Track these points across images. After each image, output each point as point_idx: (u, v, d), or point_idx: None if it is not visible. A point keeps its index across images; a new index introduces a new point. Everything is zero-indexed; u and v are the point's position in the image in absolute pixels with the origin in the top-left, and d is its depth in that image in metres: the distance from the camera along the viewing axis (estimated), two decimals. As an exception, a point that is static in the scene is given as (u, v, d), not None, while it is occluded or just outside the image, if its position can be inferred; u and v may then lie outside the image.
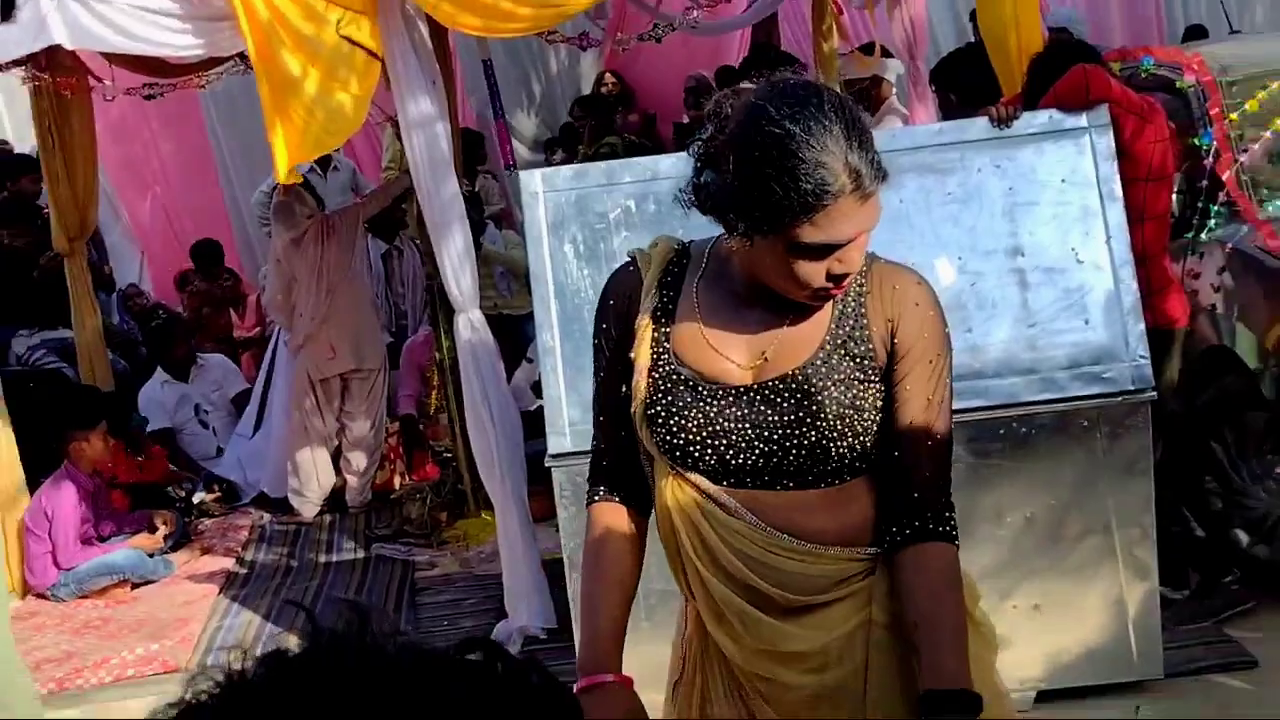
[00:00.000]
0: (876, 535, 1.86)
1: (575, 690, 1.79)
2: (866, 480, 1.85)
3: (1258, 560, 4.18)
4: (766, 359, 1.83)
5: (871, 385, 1.83)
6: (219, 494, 6.73)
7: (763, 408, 1.81)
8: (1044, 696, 3.67)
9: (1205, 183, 4.50)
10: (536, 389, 5.05)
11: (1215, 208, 4.47)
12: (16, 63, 5.49)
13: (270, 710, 0.71)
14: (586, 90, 9.88)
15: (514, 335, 6.26)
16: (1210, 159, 4.50)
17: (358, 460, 6.44)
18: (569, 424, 3.62)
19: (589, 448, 3.65)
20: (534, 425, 4.70)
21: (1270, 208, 4.36)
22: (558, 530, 3.80)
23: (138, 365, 7.49)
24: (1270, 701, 3.62)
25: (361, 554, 5.83)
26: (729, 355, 1.84)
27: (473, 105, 9.57)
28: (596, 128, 8.29)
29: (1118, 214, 3.63)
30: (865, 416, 1.82)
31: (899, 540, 1.86)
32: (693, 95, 9.59)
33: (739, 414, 1.81)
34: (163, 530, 5.82)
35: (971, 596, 1.94)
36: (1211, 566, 4.22)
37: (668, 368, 1.84)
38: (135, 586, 5.52)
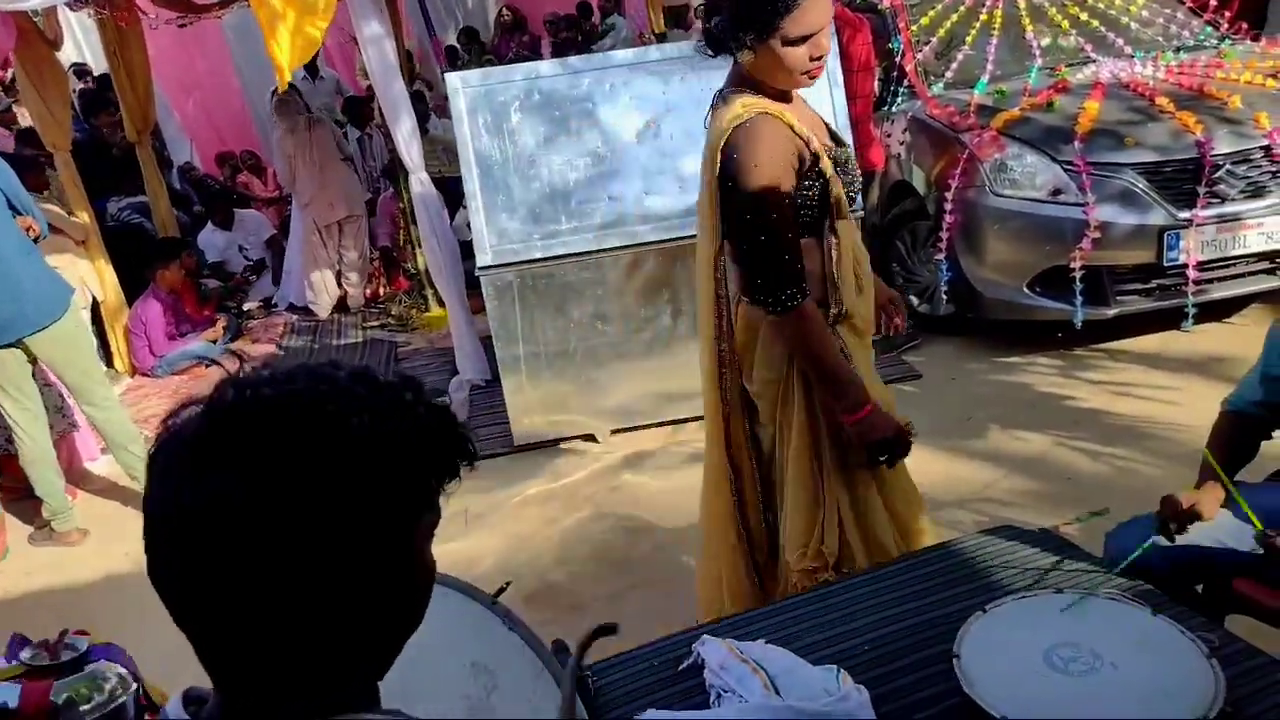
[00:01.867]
0: None
1: (862, 415, 1.76)
2: None
3: (923, 314, 4.33)
4: (829, 132, 1.83)
5: None
6: (260, 303, 6.46)
7: (847, 165, 1.81)
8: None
9: (896, 73, 4.48)
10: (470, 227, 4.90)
11: (901, 90, 4.45)
12: (83, 3, 4.98)
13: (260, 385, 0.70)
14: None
15: (454, 191, 5.99)
16: (899, 57, 4.46)
17: (353, 277, 6.17)
18: (489, 246, 3.53)
19: (504, 262, 3.53)
20: (467, 250, 4.56)
21: (934, 90, 4.36)
22: (486, 317, 3.74)
23: (194, 218, 7.07)
24: (927, 396, 3.81)
25: (361, 338, 5.67)
26: (823, 140, 1.78)
27: (415, 32, 8.97)
28: (479, 49, 8.52)
29: (840, 94, 3.57)
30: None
31: None
32: (551, 24, 9.32)
33: (842, 170, 1.79)
34: (220, 328, 5.57)
35: None
36: (895, 319, 4.36)
37: (829, 161, 1.76)
38: (208, 366, 5.32)
